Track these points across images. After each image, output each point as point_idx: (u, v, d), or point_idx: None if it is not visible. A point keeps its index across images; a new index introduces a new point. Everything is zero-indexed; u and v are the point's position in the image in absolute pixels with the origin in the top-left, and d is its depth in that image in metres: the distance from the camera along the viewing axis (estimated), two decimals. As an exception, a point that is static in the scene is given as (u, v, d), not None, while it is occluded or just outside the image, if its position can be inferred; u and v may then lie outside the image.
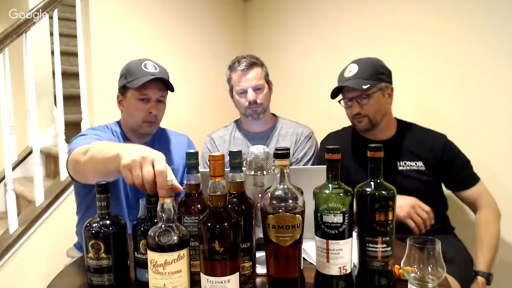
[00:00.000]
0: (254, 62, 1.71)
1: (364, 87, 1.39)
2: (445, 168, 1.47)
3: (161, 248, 0.79)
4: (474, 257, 1.45)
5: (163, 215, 0.81)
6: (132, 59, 1.50)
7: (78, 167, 1.16)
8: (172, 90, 1.47)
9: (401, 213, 1.28)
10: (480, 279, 1.36)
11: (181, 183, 1.57)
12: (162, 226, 0.81)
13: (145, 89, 1.39)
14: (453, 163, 1.47)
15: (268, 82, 1.77)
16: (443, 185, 1.54)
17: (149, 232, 0.82)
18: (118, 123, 1.54)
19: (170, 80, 1.45)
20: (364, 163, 1.48)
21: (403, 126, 1.55)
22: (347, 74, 1.45)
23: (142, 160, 0.86)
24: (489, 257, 1.39)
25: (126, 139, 1.50)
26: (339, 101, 1.54)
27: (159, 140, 1.57)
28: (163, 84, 1.43)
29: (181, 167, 1.57)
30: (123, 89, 1.45)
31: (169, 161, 1.54)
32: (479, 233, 1.44)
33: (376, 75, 1.43)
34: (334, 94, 1.52)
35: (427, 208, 1.31)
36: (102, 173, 1.04)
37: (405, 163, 1.47)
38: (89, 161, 1.08)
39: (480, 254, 1.40)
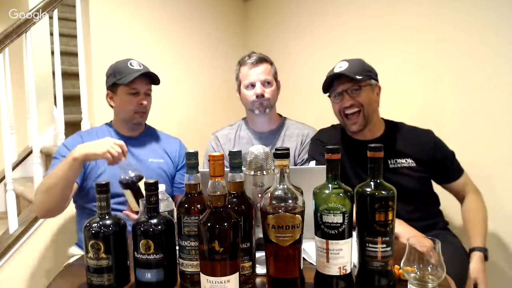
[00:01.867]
0: (264, 58, 1.74)
1: (358, 77, 1.43)
2: (438, 165, 1.49)
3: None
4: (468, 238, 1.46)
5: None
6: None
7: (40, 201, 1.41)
8: (158, 83, 1.61)
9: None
10: (477, 254, 1.36)
11: (172, 180, 1.68)
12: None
13: (134, 84, 1.54)
14: (445, 160, 1.50)
15: (277, 80, 1.77)
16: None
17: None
18: (109, 123, 1.68)
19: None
20: (354, 162, 1.49)
21: (391, 126, 1.56)
22: (337, 70, 1.47)
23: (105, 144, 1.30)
24: (482, 234, 1.42)
25: (118, 134, 1.62)
26: (329, 96, 1.55)
27: (151, 134, 1.71)
28: (148, 78, 1.59)
29: (164, 161, 1.66)
30: (112, 87, 1.59)
31: (155, 155, 1.64)
32: (470, 216, 1.48)
33: (365, 71, 1.47)
34: (326, 88, 1.53)
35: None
36: (65, 180, 1.34)
37: (395, 161, 1.48)
38: (46, 191, 1.37)
39: (473, 233, 1.43)
